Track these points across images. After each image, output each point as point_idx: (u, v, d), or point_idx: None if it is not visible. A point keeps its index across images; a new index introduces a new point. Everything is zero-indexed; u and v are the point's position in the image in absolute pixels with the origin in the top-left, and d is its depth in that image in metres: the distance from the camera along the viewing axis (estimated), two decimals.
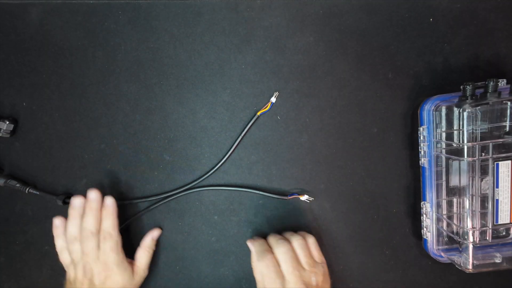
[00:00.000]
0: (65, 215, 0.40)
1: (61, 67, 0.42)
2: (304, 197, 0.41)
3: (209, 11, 0.40)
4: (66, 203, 0.42)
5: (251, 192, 0.41)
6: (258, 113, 0.40)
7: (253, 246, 0.38)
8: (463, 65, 0.40)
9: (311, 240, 0.38)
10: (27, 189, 0.42)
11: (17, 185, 0.42)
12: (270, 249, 0.37)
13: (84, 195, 0.39)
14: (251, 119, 0.40)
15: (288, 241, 0.37)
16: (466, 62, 0.40)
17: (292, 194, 0.41)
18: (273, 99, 0.40)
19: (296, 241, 0.37)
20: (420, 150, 0.39)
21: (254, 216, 0.42)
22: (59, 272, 0.44)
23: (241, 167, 0.42)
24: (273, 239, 0.38)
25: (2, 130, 0.41)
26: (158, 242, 0.43)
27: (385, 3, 0.39)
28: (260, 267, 0.35)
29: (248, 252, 0.41)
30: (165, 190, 0.42)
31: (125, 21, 0.41)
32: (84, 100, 0.42)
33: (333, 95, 0.41)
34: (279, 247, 0.36)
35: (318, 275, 0.36)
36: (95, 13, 0.41)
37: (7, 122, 0.41)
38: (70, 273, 0.38)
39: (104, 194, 0.40)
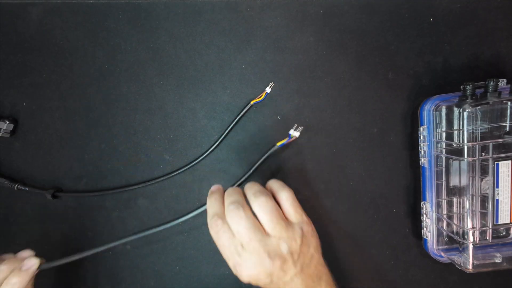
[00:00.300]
0: (63, 212, 0.40)
1: (61, 67, 0.42)
2: (293, 130, 0.37)
3: (209, 11, 0.40)
4: (56, 197, 0.42)
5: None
6: (252, 102, 0.39)
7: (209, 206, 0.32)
8: (463, 65, 0.40)
9: (285, 196, 0.32)
10: (16, 186, 0.41)
11: (5, 182, 0.42)
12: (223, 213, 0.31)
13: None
14: (244, 108, 0.40)
15: (246, 205, 0.31)
16: (466, 62, 0.40)
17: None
18: (268, 89, 0.39)
19: (256, 202, 0.31)
20: (420, 150, 0.39)
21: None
22: (59, 272, 0.44)
23: (242, 167, 0.42)
24: (227, 200, 0.32)
25: (2, 130, 0.41)
26: (158, 242, 0.43)
27: (385, 3, 0.39)
28: (213, 235, 0.31)
29: None
30: (165, 190, 0.42)
31: (125, 21, 0.41)
32: (84, 100, 0.42)
33: (333, 95, 0.41)
34: (232, 215, 0.30)
35: (292, 240, 0.30)
36: (95, 13, 0.41)
37: (7, 122, 0.41)
38: None
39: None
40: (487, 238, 0.36)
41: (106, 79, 0.41)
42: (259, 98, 0.39)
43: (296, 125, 0.37)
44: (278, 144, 0.37)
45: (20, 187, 0.42)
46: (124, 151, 0.42)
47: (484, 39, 0.39)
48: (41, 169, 0.43)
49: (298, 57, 0.40)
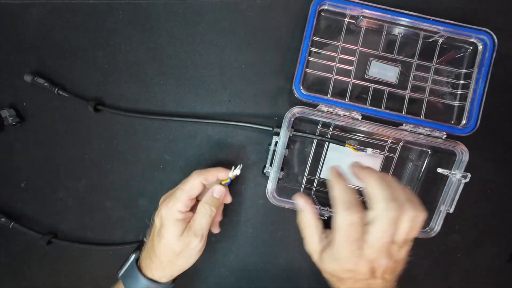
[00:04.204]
0: (63, 211, 0.40)
1: (61, 67, 0.42)
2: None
3: (209, 11, 0.40)
4: (50, 242, 0.42)
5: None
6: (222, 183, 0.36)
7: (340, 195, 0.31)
8: None
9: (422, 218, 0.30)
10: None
11: (2, 219, 0.42)
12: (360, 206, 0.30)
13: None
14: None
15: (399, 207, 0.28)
16: None
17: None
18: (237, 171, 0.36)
19: (408, 214, 0.28)
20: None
21: (253, 215, 0.42)
22: (59, 272, 0.44)
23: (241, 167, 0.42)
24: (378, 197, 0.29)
25: (8, 118, 0.41)
26: None
27: (384, 3, 0.39)
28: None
29: (248, 252, 0.41)
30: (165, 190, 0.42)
31: (125, 21, 0.41)
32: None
33: None
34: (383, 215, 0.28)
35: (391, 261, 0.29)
36: (95, 13, 0.41)
37: (6, 109, 0.41)
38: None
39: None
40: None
41: (106, 79, 0.41)
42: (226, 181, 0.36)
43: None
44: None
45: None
46: (124, 151, 0.42)
47: None
48: (41, 169, 0.43)
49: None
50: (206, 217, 0.32)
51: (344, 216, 0.29)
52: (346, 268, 0.30)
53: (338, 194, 0.31)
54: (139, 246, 0.35)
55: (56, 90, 0.40)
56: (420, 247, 0.41)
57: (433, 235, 0.37)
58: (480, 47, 0.37)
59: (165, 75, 0.41)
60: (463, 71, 0.38)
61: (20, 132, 0.43)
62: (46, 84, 0.40)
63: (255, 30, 0.40)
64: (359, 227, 0.29)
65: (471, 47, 0.38)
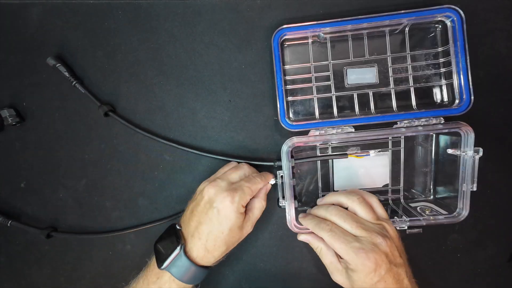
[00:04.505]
0: (63, 210, 0.40)
1: (61, 67, 0.42)
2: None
3: (209, 11, 0.40)
4: (50, 236, 0.42)
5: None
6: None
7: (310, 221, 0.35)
8: None
9: (373, 200, 0.36)
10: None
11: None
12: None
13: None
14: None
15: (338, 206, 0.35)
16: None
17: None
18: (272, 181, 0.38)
19: (354, 201, 0.35)
20: None
21: None
22: (59, 272, 0.44)
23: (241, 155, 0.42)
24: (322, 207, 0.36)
25: (8, 118, 0.41)
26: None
27: (385, 4, 0.39)
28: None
29: (248, 252, 0.41)
30: (165, 190, 0.42)
31: (125, 21, 0.41)
32: (84, 100, 0.42)
33: None
34: (331, 213, 0.34)
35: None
36: (95, 13, 0.41)
37: (6, 109, 0.41)
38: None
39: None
40: None
41: (106, 79, 0.41)
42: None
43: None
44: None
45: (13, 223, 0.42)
46: (124, 151, 0.42)
47: (484, 39, 0.39)
48: (41, 169, 0.43)
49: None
50: (261, 210, 0.37)
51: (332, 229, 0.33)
52: (367, 264, 0.31)
53: (313, 226, 0.35)
54: (176, 238, 0.33)
55: (74, 83, 0.40)
56: (420, 246, 0.42)
57: (462, 218, 0.36)
58: (448, 23, 0.36)
59: (165, 75, 0.41)
60: (440, 49, 0.38)
61: (20, 132, 0.43)
62: (66, 73, 0.40)
63: (255, 30, 0.40)
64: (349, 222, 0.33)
65: (440, 25, 0.37)
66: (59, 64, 0.40)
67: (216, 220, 0.33)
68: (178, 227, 0.35)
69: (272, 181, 0.38)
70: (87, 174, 0.43)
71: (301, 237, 0.37)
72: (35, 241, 0.44)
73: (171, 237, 0.33)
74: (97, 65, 0.41)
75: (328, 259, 0.35)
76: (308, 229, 0.36)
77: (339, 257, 0.35)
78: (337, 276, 0.35)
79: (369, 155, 0.38)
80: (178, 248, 0.32)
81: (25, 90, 0.42)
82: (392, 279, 0.31)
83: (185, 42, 0.41)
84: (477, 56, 0.39)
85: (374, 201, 0.36)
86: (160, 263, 0.32)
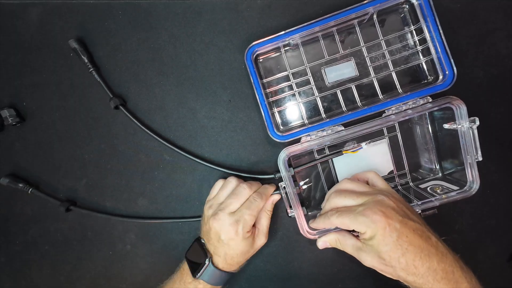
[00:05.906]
0: (62, 211, 0.40)
1: (61, 67, 0.42)
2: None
3: (209, 11, 0.40)
4: (69, 210, 0.42)
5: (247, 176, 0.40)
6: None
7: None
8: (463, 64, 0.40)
9: (370, 175, 0.37)
10: (29, 190, 0.42)
11: (20, 185, 0.42)
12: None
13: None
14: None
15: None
16: (466, 62, 0.40)
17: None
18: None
19: (342, 182, 0.36)
20: None
21: None
22: (59, 272, 0.44)
23: (241, 166, 0.42)
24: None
25: (9, 118, 0.41)
26: (158, 241, 0.43)
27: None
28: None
29: None
30: (165, 190, 0.42)
31: (125, 21, 0.41)
32: (84, 100, 0.42)
33: None
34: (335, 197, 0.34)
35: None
36: (95, 13, 0.41)
37: (6, 109, 0.41)
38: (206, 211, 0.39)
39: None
40: None
41: (106, 79, 0.41)
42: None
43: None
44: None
45: (33, 191, 0.42)
46: (124, 151, 0.42)
47: (484, 39, 0.39)
48: (41, 169, 0.43)
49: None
50: (268, 219, 0.39)
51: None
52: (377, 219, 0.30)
53: (323, 222, 0.35)
54: (204, 252, 0.37)
55: (90, 70, 0.40)
56: None
57: (474, 192, 0.35)
58: (414, 1, 0.36)
59: (165, 75, 0.41)
60: (412, 27, 0.38)
61: (20, 132, 0.43)
62: (85, 58, 0.40)
63: (255, 30, 0.40)
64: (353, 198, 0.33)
65: (407, 5, 0.37)
66: (81, 49, 0.40)
67: (227, 247, 0.36)
68: (202, 241, 0.38)
69: (277, 197, 0.39)
70: (87, 174, 0.43)
71: (320, 244, 0.36)
72: (35, 241, 0.44)
73: (199, 251, 0.37)
74: (97, 65, 0.41)
75: (348, 244, 0.33)
76: (319, 232, 0.36)
77: (357, 237, 0.34)
78: (363, 256, 0.32)
79: (362, 147, 0.39)
80: (207, 260, 0.36)
81: (25, 90, 0.42)
82: (413, 234, 0.29)
83: (185, 42, 0.41)
84: (477, 56, 0.39)
85: (371, 176, 0.36)
86: (194, 272, 0.36)
